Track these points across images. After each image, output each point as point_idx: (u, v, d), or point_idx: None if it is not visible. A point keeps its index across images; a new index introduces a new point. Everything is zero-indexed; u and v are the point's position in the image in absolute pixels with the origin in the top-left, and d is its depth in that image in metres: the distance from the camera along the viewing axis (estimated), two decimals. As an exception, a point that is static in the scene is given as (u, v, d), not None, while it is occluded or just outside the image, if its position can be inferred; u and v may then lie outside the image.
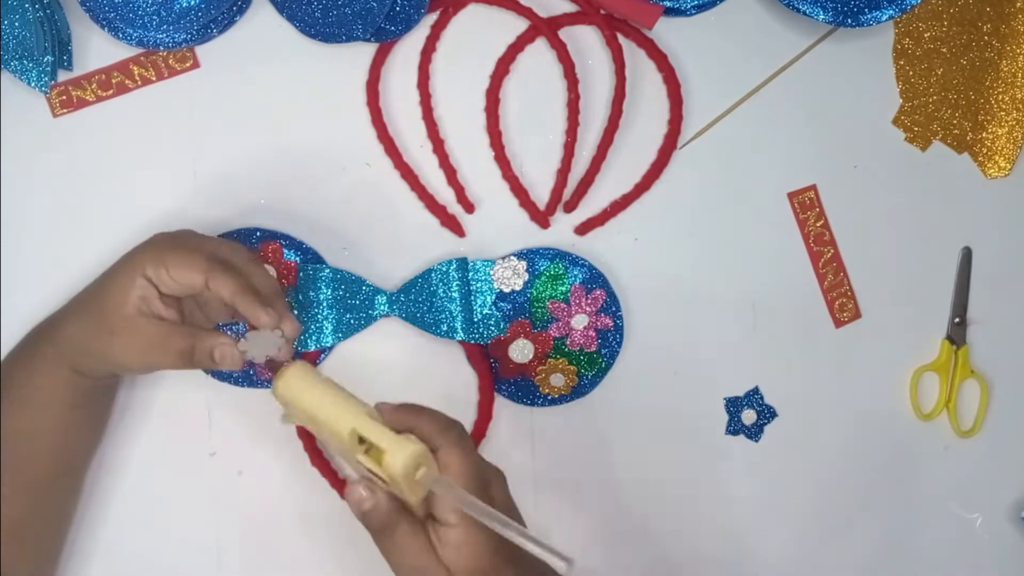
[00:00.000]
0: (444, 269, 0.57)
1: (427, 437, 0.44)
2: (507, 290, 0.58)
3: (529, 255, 0.58)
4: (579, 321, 0.59)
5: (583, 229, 0.60)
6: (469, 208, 0.59)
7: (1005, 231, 0.65)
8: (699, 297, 0.61)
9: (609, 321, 0.59)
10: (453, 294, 0.57)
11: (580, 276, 0.58)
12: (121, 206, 0.57)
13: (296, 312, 0.56)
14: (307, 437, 0.57)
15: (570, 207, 0.60)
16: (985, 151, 0.65)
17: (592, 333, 0.59)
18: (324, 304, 0.56)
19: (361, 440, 0.43)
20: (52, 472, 0.51)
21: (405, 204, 0.59)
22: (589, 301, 0.58)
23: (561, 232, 0.60)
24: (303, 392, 0.45)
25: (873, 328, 0.63)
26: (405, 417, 0.45)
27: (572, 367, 0.59)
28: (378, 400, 0.46)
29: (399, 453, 0.42)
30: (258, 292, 0.49)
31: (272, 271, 0.56)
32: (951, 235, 0.64)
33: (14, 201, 0.57)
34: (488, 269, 0.58)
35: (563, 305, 0.58)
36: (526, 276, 0.58)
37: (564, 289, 0.58)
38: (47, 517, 0.52)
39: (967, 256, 0.64)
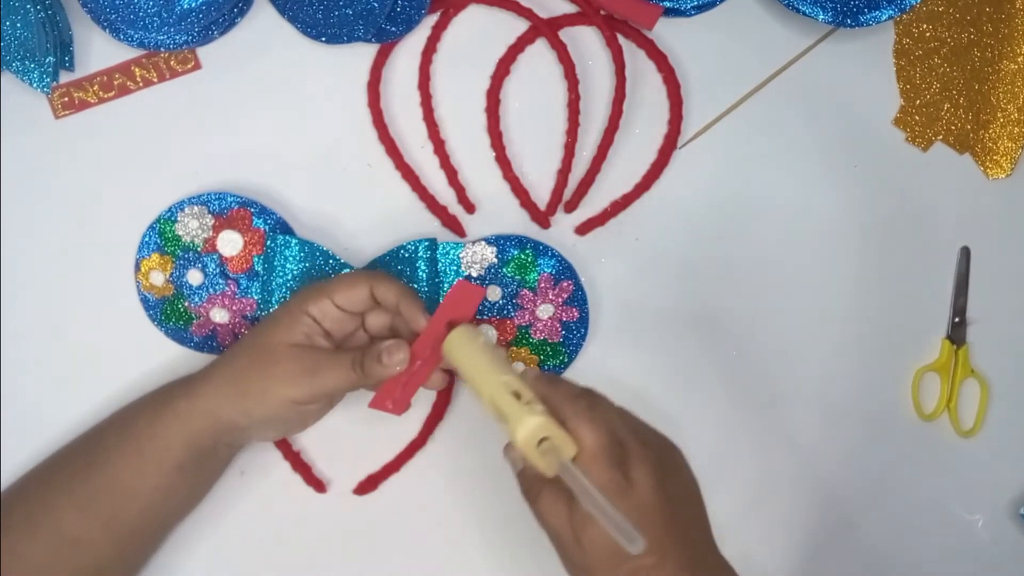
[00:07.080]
0: (413, 248, 0.56)
1: (557, 407, 0.44)
2: (475, 274, 0.57)
3: (499, 241, 0.58)
4: (545, 311, 0.58)
5: (583, 229, 0.60)
6: (470, 208, 0.59)
7: (1005, 231, 0.65)
8: (700, 297, 0.61)
9: (576, 313, 0.58)
10: (420, 274, 0.56)
11: (549, 266, 0.58)
12: (123, 208, 0.57)
13: (261, 281, 0.56)
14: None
15: (570, 207, 0.60)
16: (986, 151, 0.65)
17: (557, 325, 0.58)
18: (289, 276, 0.56)
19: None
20: (143, 529, 0.51)
21: (406, 205, 0.59)
22: (556, 292, 0.58)
23: (562, 232, 0.60)
24: (459, 357, 0.46)
25: (873, 328, 0.63)
26: (542, 386, 0.45)
27: (534, 356, 0.58)
28: None
29: (519, 426, 0.42)
30: (419, 298, 0.51)
31: (240, 237, 0.56)
32: (951, 235, 0.64)
33: (15, 202, 0.57)
34: (457, 252, 0.57)
35: (529, 294, 0.58)
36: (494, 261, 0.57)
37: (532, 278, 0.58)
38: (127, 567, 0.52)
39: (967, 256, 0.64)
